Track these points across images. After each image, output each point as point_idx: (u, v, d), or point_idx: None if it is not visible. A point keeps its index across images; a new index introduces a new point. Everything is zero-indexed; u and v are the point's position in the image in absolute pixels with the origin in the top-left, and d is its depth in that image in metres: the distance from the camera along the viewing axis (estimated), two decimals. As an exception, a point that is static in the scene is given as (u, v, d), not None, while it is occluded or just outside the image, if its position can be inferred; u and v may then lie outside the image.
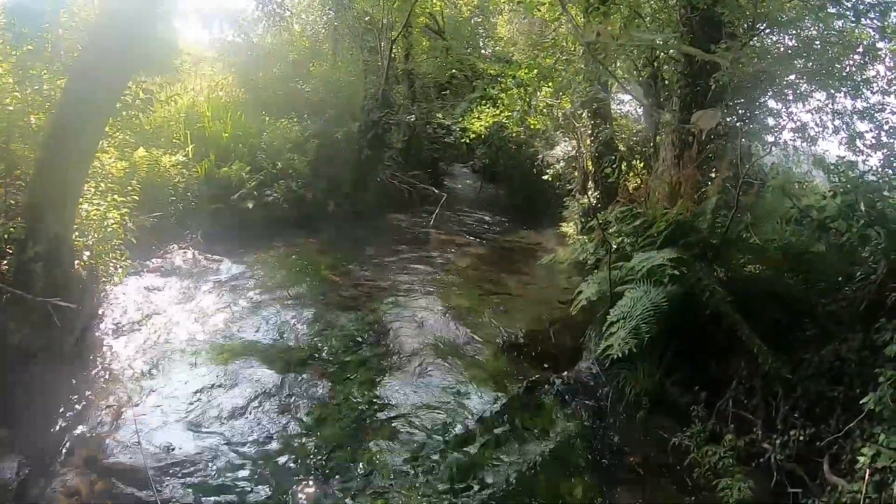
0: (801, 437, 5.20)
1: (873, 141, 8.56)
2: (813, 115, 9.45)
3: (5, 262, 5.59)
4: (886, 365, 4.78)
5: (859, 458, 4.43)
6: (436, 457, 5.47)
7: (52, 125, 5.74)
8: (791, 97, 9.46)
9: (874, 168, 7.35)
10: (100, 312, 6.86)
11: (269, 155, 11.35)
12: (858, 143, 8.71)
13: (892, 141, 8.42)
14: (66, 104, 5.71)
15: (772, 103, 9.74)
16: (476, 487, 5.16)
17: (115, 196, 7.03)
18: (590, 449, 5.80)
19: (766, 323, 6.12)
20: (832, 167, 6.31)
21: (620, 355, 5.72)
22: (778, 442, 5.31)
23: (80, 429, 5.24)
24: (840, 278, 6.32)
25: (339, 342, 7.27)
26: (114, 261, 6.90)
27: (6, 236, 5.46)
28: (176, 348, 6.62)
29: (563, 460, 5.59)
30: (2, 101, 6.06)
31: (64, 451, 4.95)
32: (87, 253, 6.37)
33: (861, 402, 4.75)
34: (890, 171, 7.11)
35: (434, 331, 7.80)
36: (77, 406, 5.51)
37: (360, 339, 7.41)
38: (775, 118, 9.81)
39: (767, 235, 6.68)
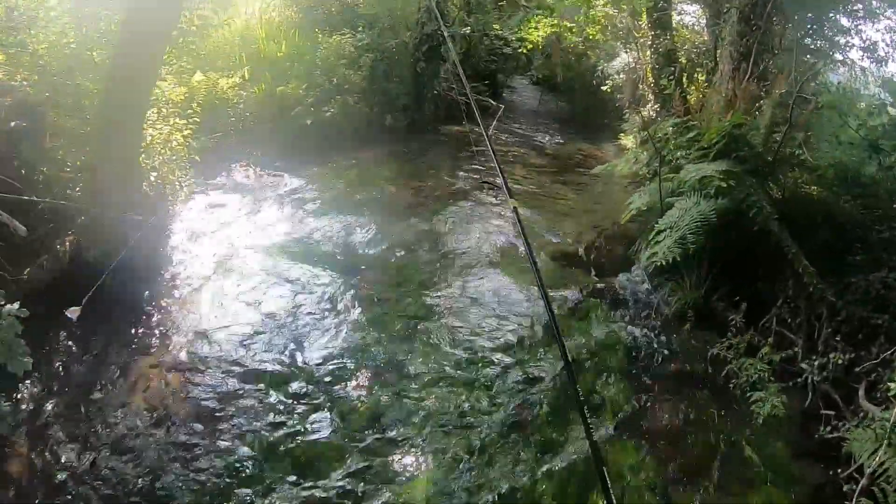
0: (841, 361, 5.22)
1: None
2: (883, 34, 8.99)
3: (78, 188, 5.93)
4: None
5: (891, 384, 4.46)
6: (483, 357, 5.75)
7: (114, 58, 6.02)
8: (861, 13, 8.99)
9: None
10: (170, 227, 7.23)
11: (324, 71, 11.35)
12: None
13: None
14: (125, 38, 5.93)
15: (840, 20, 9.25)
16: (519, 386, 5.42)
17: (177, 120, 7.29)
18: (629, 355, 6.00)
19: (816, 245, 6.10)
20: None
21: (664, 263, 5.81)
22: (817, 363, 5.35)
23: (156, 336, 5.68)
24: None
25: (396, 248, 7.60)
26: (179, 180, 7.26)
27: (78, 163, 5.80)
28: (238, 254, 7.02)
29: (603, 363, 5.83)
30: (65, 40, 6.32)
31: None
32: (154, 174, 6.71)
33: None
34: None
35: (488, 239, 8.05)
36: (154, 314, 5.95)
37: (415, 247, 7.70)
38: (843, 35, 9.35)
39: (822, 155, 6.54)
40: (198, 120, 7.92)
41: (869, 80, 9.24)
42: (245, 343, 5.62)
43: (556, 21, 14.90)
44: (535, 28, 15.74)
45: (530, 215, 8.86)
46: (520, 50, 16.56)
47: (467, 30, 14.34)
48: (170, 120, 7.16)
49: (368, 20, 12.67)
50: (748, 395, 5.25)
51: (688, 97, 11.82)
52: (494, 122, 13.83)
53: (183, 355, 5.44)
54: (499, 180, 6.51)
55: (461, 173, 10.69)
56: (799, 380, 5.37)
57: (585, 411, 3.03)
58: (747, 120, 6.82)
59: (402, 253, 7.52)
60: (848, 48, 9.16)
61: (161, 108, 7.09)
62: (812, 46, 8.49)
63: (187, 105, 8.01)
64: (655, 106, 12.00)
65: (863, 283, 5.71)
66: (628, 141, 13.00)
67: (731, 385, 5.53)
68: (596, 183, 10.74)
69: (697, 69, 12.45)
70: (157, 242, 6.77)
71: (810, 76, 7.32)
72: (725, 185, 6.00)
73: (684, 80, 11.63)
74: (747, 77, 7.44)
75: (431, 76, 13.05)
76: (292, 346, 5.67)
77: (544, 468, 4.61)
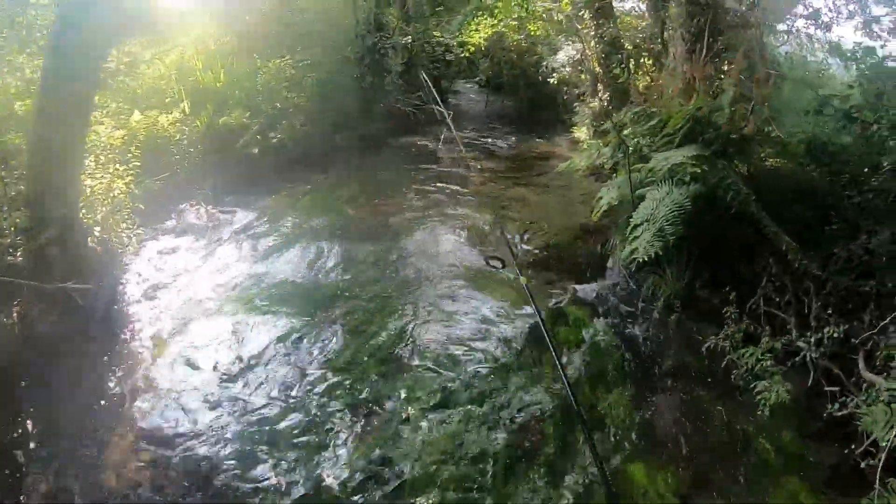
0: (835, 335, 5.07)
1: (892, 25, 8.04)
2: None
3: (19, 253, 5.54)
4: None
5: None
6: (470, 383, 5.42)
7: (37, 108, 5.64)
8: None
9: (893, 54, 6.89)
10: (122, 284, 6.81)
11: (266, 97, 11.05)
12: (875, 27, 8.20)
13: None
14: (46, 85, 5.56)
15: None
16: (514, 409, 5.12)
17: (118, 166, 6.91)
18: (623, 358, 5.74)
19: (790, 218, 5.97)
20: (849, 54, 6.03)
21: (646, 259, 5.56)
22: (812, 340, 5.20)
23: (117, 401, 5.25)
24: (866, 170, 6.10)
25: (361, 276, 7.20)
26: (126, 231, 6.84)
27: (13, 228, 5.41)
28: (199, 304, 6.60)
29: (598, 372, 5.54)
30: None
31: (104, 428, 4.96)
32: (98, 228, 6.30)
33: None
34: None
35: (455, 254, 7.72)
36: (111, 379, 5.51)
37: (381, 272, 7.30)
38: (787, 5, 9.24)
39: (789, 128, 6.42)
40: (138, 164, 7.56)
41: (815, 47, 9.29)
42: (214, 407, 5.19)
43: (496, 21, 14.77)
44: (476, 30, 15.62)
45: (495, 222, 8.63)
46: (462, 54, 16.44)
47: (408, 39, 14.13)
48: (109, 167, 6.75)
49: (308, 40, 12.38)
50: (751, 385, 5.06)
51: (637, 83, 11.77)
52: (444, 131, 13.62)
53: (144, 424, 5.02)
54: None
55: (419, 186, 10.36)
56: (797, 359, 5.22)
57: (593, 439, 2.78)
58: (709, 101, 6.64)
59: (369, 281, 7.12)
60: (794, 17, 9.06)
61: (99, 155, 6.70)
62: (760, 20, 8.35)
63: (126, 148, 7.67)
64: (605, 95, 11.94)
65: (844, 252, 5.59)
66: (581, 133, 12.96)
67: (731, 376, 5.33)
68: (557, 181, 10.52)
69: (643, 54, 12.42)
70: (110, 303, 6.38)
71: (760, 50, 7.19)
72: (699, 171, 5.82)
73: (632, 66, 11.53)
74: (703, 57, 7.27)
75: (377, 89, 12.79)
76: (266, 402, 5.27)
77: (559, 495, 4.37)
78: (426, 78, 12.45)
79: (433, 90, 13.59)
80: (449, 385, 5.36)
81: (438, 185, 10.35)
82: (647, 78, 11.99)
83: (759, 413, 4.85)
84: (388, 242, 7.99)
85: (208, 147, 10.03)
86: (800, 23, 8.99)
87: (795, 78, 6.35)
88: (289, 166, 10.48)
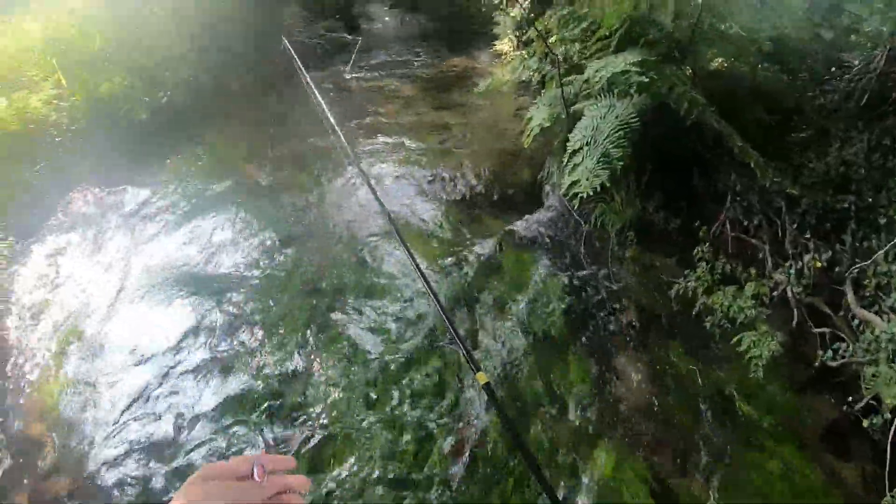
0: (818, 263, 4.43)
1: None
2: None
3: None
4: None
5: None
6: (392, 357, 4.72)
7: None
8: None
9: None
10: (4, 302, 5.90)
11: (150, 53, 9.82)
12: None
13: None
14: None
15: None
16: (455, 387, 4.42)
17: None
18: (574, 313, 4.98)
19: (747, 126, 5.14)
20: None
21: (592, 192, 4.70)
22: (793, 272, 4.53)
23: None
24: (833, 69, 5.35)
25: (265, 247, 6.34)
26: None
27: None
28: (91, 313, 5.72)
29: (547, 336, 4.79)
30: None
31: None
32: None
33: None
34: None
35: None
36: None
37: (288, 236, 6.44)
38: None
39: (745, 23, 5.56)
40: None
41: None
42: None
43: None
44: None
45: (417, 158, 7.75)
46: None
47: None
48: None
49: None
50: (731, 335, 4.42)
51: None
52: (353, 58, 12.58)
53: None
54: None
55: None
56: (775, 293, 4.56)
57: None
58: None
59: (274, 247, 6.31)
60: None
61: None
62: None
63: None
64: (525, 2, 11.00)
65: (820, 164, 4.89)
66: (504, 46, 12.03)
67: (704, 323, 4.62)
68: (480, 99, 9.61)
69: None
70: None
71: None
72: (647, 80, 4.90)
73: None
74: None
75: (273, 25, 11.58)
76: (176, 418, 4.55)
77: None
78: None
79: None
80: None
81: (349, 124, 9.32)
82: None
83: (739, 367, 4.19)
84: (295, 201, 7.11)
85: (91, 121, 8.84)
86: None
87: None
88: (184, 125, 9.30)
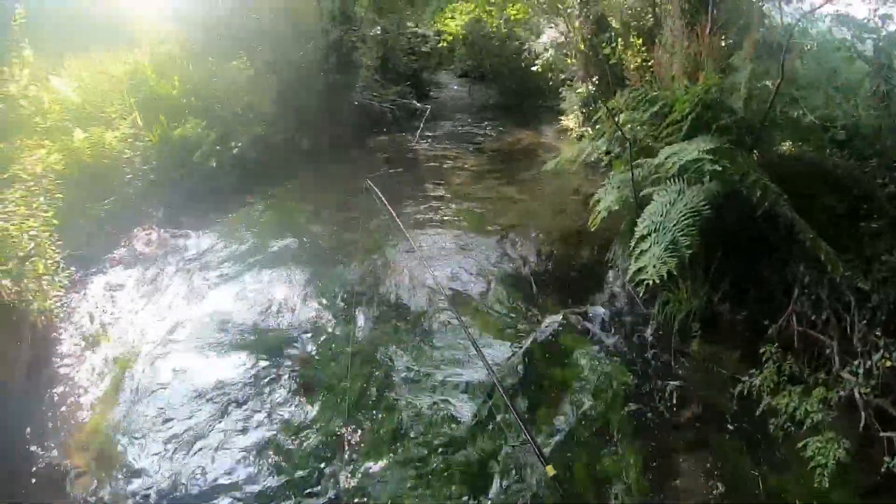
0: (888, 363, 4.16)
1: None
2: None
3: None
4: None
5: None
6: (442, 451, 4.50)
7: None
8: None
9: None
10: (51, 336, 5.87)
11: (225, 103, 10.11)
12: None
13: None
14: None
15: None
16: (497, 483, 4.21)
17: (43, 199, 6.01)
18: (634, 404, 4.79)
19: (814, 211, 4.96)
20: (862, 24, 5.15)
21: (658, 280, 4.49)
22: (861, 371, 4.28)
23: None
24: None
25: (327, 309, 6.29)
26: (47, 276, 5.82)
27: None
28: (140, 359, 5.67)
29: (602, 424, 4.60)
30: None
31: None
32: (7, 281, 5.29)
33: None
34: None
35: (434, 273, 6.68)
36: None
37: (346, 301, 6.36)
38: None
39: (817, 109, 5.46)
40: (61, 196, 6.51)
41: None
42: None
43: (473, 6, 13.88)
44: (451, 17, 14.72)
45: (478, 230, 7.74)
46: (440, 44, 15.57)
47: (377, 30, 13.18)
48: (30, 201, 5.80)
49: (268, 38, 11.40)
50: (797, 438, 4.15)
51: (628, 64, 10.94)
52: (422, 125, 12.83)
53: None
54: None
55: (396, 191, 9.28)
56: (841, 394, 4.31)
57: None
58: (721, 81, 5.69)
59: (336, 313, 6.23)
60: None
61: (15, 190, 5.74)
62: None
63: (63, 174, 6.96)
64: (594, 79, 11.05)
65: (892, 258, 4.64)
66: (570, 122, 12.09)
67: (770, 425, 4.38)
68: (544, 176, 9.59)
69: (633, 32, 11.56)
70: (34, 362, 5.47)
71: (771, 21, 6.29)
72: (720, 168, 4.79)
73: (621, 45, 10.64)
74: (709, 30, 6.32)
75: (347, 87, 11.81)
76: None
77: None
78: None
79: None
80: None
81: (414, 190, 9.44)
82: (638, 59, 11.20)
83: (816, 484, 3.92)
84: (355, 268, 7.05)
85: (163, 163, 9.05)
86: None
87: (822, 50, 5.37)
88: (252, 177, 9.53)
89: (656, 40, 8.49)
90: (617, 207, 5.67)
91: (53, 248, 5.93)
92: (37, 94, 7.11)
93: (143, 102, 9.57)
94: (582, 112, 11.50)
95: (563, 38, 12.39)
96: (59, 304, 6.07)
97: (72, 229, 6.81)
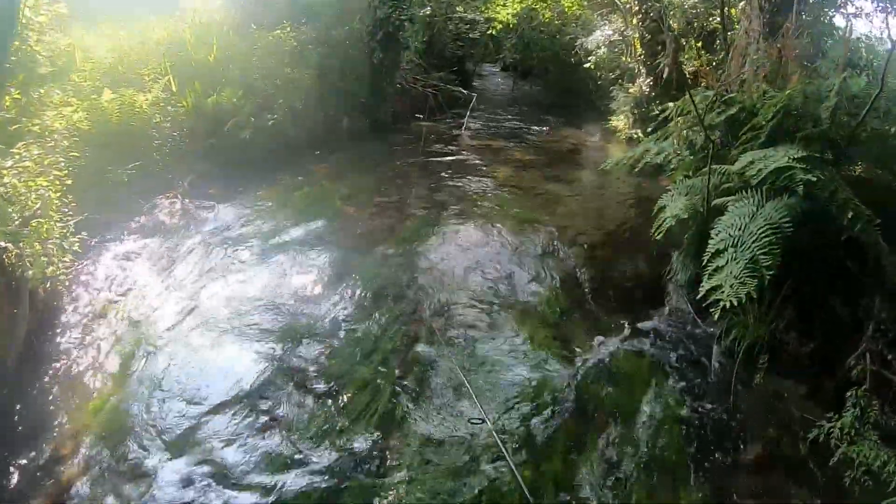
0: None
1: None
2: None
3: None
4: None
5: None
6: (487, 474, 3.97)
7: None
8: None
9: None
10: (54, 305, 5.40)
11: (264, 73, 9.68)
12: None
13: None
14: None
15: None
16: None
17: (58, 157, 5.59)
18: (693, 439, 4.24)
19: (891, 241, 4.46)
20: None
21: (735, 303, 4.00)
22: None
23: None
24: None
25: (353, 301, 5.75)
26: (54, 243, 5.22)
27: None
28: (147, 341, 5.14)
29: (659, 461, 4.06)
30: None
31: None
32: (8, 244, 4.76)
33: None
34: None
35: (473, 273, 6.20)
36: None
37: (379, 293, 5.83)
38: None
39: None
40: (76, 154, 6.22)
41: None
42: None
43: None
44: (504, 5, 14.23)
45: (522, 229, 7.16)
46: (488, 32, 15.10)
47: (427, 11, 12.67)
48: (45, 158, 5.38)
49: (313, 10, 10.97)
50: (875, 495, 3.55)
51: (685, 68, 10.45)
52: (468, 113, 12.40)
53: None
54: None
55: (434, 178, 8.99)
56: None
57: None
58: (807, 88, 5.13)
59: (362, 308, 5.67)
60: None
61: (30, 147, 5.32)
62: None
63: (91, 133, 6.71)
64: (648, 80, 10.55)
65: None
66: (619, 122, 11.62)
67: (844, 478, 3.81)
68: (591, 174, 9.10)
69: (693, 35, 11.06)
70: (34, 333, 5.00)
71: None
72: (814, 179, 4.28)
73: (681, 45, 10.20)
74: (792, 32, 5.77)
75: (391, 67, 11.34)
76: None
77: None
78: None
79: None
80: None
81: (453, 180, 8.95)
82: (696, 62, 10.71)
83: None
84: (392, 256, 6.54)
85: (194, 130, 8.65)
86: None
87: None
88: (286, 153, 9.13)
89: (718, 41, 8.01)
90: (686, 216, 5.18)
91: (64, 209, 5.46)
92: (65, 49, 6.72)
93: (179, 68, 9.18)
94: (633, 113, 11.07)
95: (617, 36, 11.95)
96: (67, 271, 5.58)
97: (90, 192, 6.42)
